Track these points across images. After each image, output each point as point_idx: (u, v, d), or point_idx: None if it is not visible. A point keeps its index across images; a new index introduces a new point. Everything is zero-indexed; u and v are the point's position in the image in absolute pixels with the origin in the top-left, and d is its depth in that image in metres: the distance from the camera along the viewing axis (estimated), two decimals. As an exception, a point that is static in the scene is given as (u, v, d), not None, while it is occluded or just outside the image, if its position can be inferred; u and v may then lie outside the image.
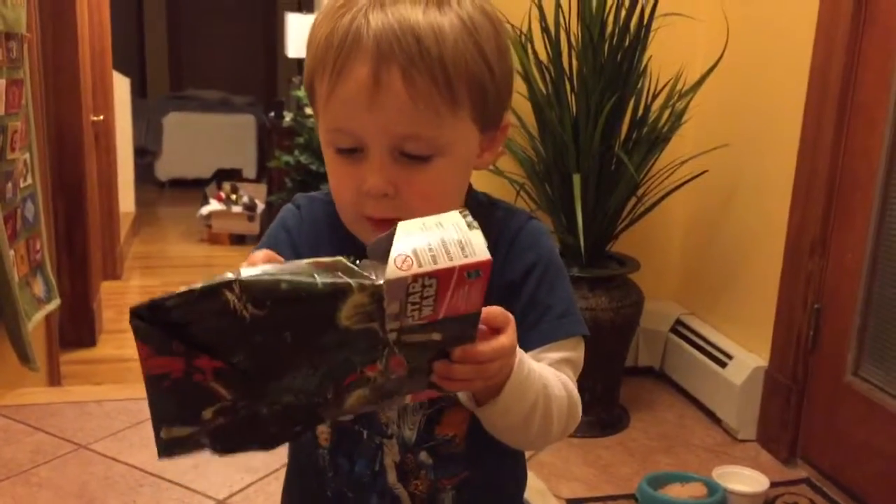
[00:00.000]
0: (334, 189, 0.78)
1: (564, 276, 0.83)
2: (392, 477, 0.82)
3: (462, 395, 0.72)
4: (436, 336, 0.58)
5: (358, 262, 0.58)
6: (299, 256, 0.76)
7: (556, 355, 0.78)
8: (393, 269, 0.54)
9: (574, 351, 0.80)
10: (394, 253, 0.55)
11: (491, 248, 0.79)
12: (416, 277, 0.54)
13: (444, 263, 0.55)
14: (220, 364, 0.56)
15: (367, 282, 0.55)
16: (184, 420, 0.59)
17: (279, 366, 0.58)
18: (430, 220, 0.57)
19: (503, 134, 0.81)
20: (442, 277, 0.55)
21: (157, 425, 0.59)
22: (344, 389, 0.60)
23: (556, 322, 0.79)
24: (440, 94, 0.70)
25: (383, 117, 0.70)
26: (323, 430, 0.83)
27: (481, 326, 0.62)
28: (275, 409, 0.59)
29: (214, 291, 0.53)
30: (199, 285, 0.54)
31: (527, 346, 0.72)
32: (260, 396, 0.59)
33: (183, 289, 0.54)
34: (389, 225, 0.73)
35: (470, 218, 0.56)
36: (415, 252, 0.55)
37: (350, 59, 0.69)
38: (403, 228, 0.57)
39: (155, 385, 0.57)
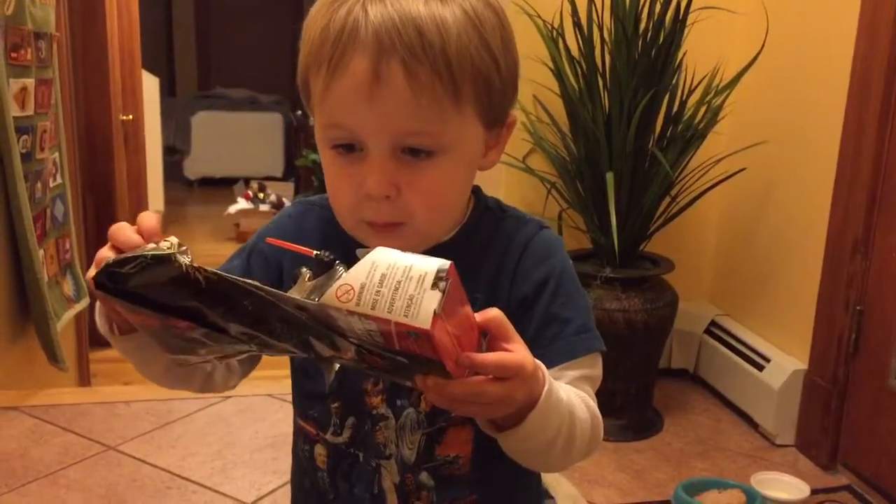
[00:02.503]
0: (332, 193, 0.74)
1: (580, 289, 0.78)
2: (392, 499, 0.78)
3: (480, 421, 0.68)
4: (402, 359, 0.54)
5: (337, 262, 0.56)
6: (278, 265, 0.78)
7: (575, 373, 0.73)
8: (331, 297, 0.52)
9: (593, 368, 0.75)
10: (343, 278, 0.52)
11: (499, 259, 0.76)
12: (350, 313, 0.51)
13: (380, 313, 0.51)
14: (192, 324, 0.56)
15: (300, 302, 0.53)
16: (185, 351, 0.60)
17: (252, 328, 0.56)
18: (407, 258, 0.53)
19: (509, 132, 0.77)
20: (379, 323, 0.51)
21: (167, 352, 0.61)
22: (328, 358, 0.57)
23: (574, 338, 0.74)
24: (444, 88, 0.66)
25: (384, 113, 0.66)
26: (320, 453, 0.80)
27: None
28: (269, 351, 0.59)
29: (167, 258, 0.53)
30: (149, 252, 0.53)
31: (545, 362, 0.67)
32: (244, 344, 0.58)
33: (135, 253, 0.54)
34: (391, 230, 0.70)
35: (445, 273, 0.51)
36: (361, 287, 0.51)
37: (348, 52, 0.66)
38: (376, 254, 0.53)
39: (144, 329, 0.60)
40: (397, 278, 0.51)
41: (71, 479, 1.89)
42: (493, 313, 0.58)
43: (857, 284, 1.97)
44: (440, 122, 0.68)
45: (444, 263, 0.52)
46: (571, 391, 0.70)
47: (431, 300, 0.50)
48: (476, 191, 0.80)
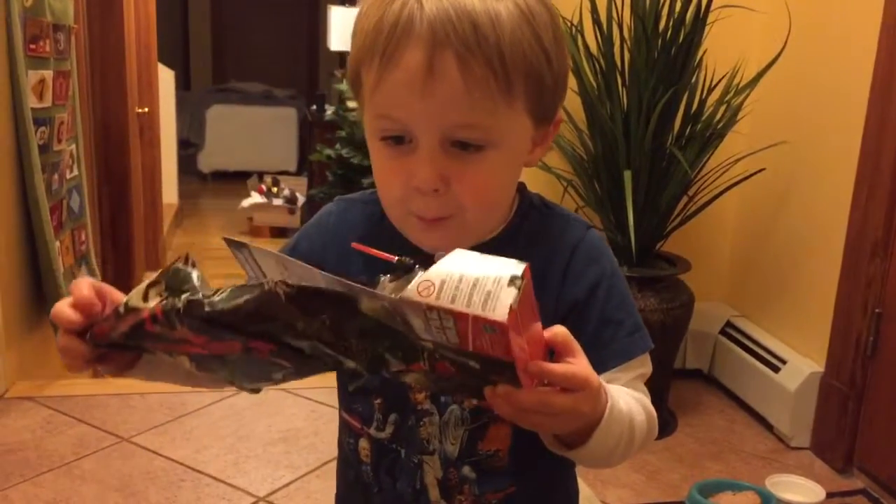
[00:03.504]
0: (381, 185, 0.74)
1: (628, 288, 0.79)
2: (434, 494, 0.79)
3: (546, 438, 0.69)
4: (473, 364, 0.55)
5: (418, 266, 0.57)
6: (320, 266, 0.76)
7: (631, 374, 0.75)
8: (412, 291, 0.54)
9: (645, 366, 0.77)
10: (424, 275, 0.55)
11: (546, 258, 0.76)
12: (430, 307, 0.53)
13: (459, 307, 0.53)
14: (273, 346, 0.59)
15: (378, 294, 0.55)
16: (256, 379, 0.64)
17: (329, 348, 0.58)
18: (485, 260, 0.55)
19: (555, 129, 0.77)
20: (457, 318, 0.53)
21: (238, 381, 0.65)
22: (397, 373, 0.59)
23: (628, 339, 0.75)
24: (497, 83, 0.66)
25: (436, 106, 0.66)
26: (364, 447, 0.81)
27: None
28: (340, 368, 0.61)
29: (258, 285, 0.56)
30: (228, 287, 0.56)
31: (602, 365, 0.68)
32: (319, 368, 0.61)
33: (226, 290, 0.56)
34: (438, 223, 0.70)
35: (520, 272, 0.54)
36: (441, 282, 0.54)
37: (402, 45, 0.66)
38: (455, 255, 0.56)
39: (220, 359, 0.62)
40: (476, 276, 0.54)
41: (85, 470, 1.90)
42: (559, 330, 0.60)
43: (875, 287, 1.95)
44: (492, 117, 0.68)
45: (521, 264, 0.55)
46: (630, 395, 0.71)
47: (508, 295, 0.52)
48: (521, 188, 0.80)
